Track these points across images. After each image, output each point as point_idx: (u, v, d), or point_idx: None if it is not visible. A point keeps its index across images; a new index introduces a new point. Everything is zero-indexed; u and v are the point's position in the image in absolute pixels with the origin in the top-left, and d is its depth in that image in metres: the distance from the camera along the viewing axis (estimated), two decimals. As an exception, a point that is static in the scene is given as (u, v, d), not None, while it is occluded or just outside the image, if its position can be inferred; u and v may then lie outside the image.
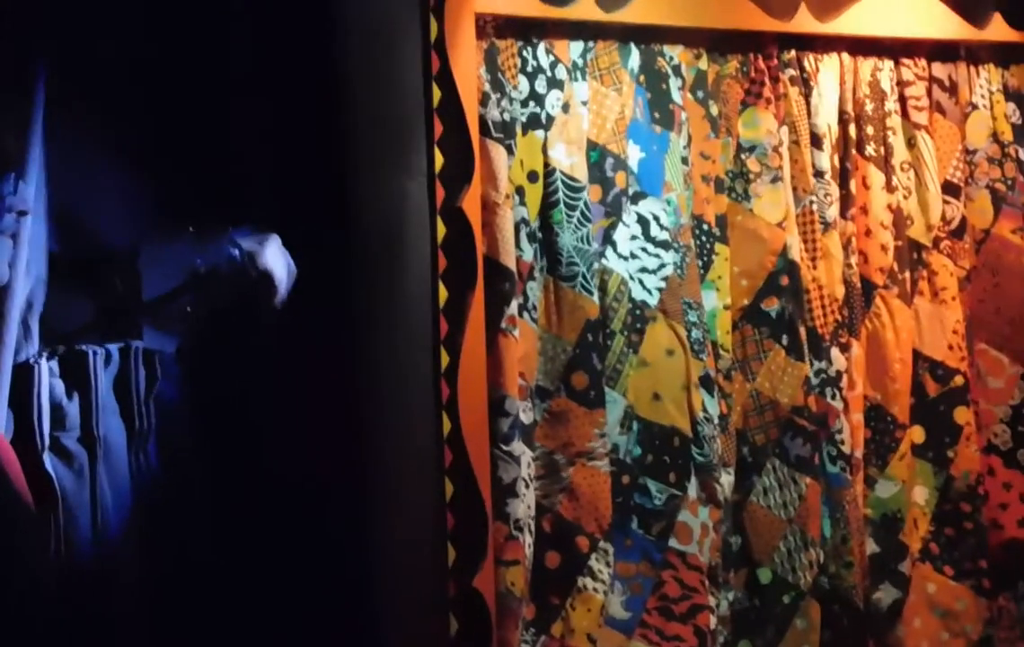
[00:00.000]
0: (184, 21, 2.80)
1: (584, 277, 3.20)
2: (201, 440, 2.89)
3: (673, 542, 3.27)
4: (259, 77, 2.88)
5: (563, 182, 3.20)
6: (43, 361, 2.68)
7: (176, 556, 2.83)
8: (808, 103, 3.54)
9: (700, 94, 3.43)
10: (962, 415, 3.65)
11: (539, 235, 3.20)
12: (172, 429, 2.86)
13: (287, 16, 2.87)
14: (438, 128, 2.97)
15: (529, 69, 3.20)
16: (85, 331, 2.77)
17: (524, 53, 3.19)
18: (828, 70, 3.57)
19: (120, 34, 2.75)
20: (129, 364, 2.80)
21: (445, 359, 2.97)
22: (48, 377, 2.69)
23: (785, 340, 3.44)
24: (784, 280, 3.44)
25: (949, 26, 3.63)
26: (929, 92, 3.67)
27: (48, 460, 2.67)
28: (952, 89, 3.70)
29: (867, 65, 3.61)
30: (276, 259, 2.78)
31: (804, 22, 3.48)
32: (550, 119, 3.21)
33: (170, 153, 2.82)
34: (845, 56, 3.59)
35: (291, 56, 2.88)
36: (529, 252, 3.16)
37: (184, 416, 2.88)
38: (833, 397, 3.50)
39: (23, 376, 2.65)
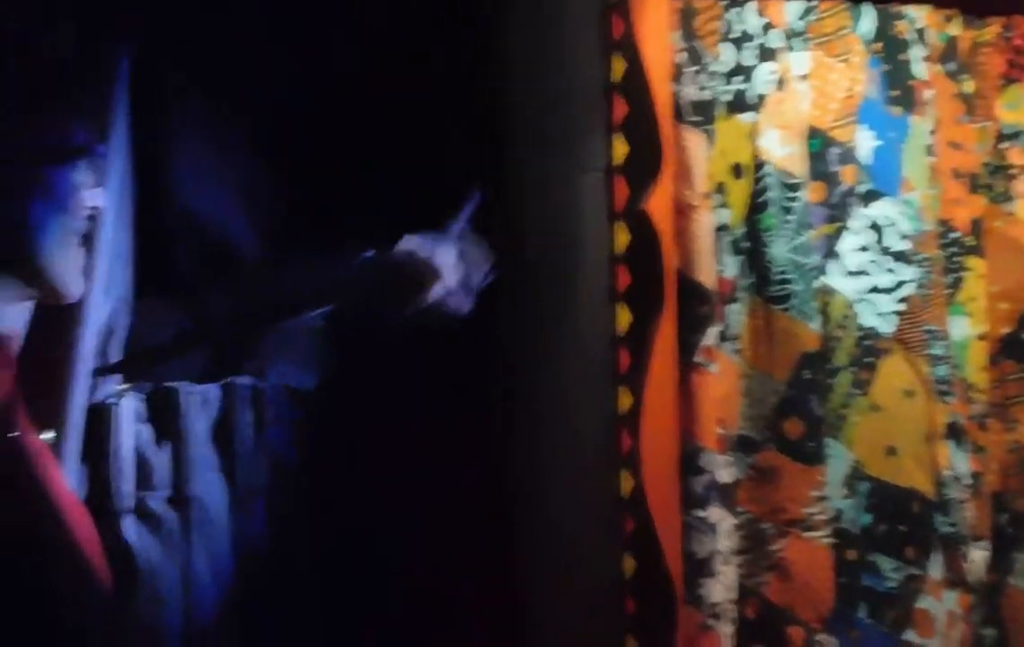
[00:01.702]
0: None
1: (800, 298, 2.95)
2: (321, 500, 2.76)
3: (911, 634, 3.00)
4: (403, 52, 2.76)
5: (776, 178, 2.93)
6: (125, 401, 2.55)
7: (287, 641, 2.72)
8: (1092, 77, 3.26)
9: (950, 67, 3.12)
10: None
11: (745, 245, 2.95)
12: (285, 487, 2.74)
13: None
14: (619, 110, 2.73)
15: (734, 35, 2.93)
16: (177, 364, 2.69)
17: (728, 15, 2.94)
18: (1117, 34, 3.25)
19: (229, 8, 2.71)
20: (232, 406, 2.71)
21: (625, 401, 2.73)
22: (131, 421, 2.56)
23: (1057, 379, 3.21)
24: (1056, 303, 3.24)
25: None
26: None
27: (129, 526, 2.55)
28: None
29: None
30: (444, 254, 2.64)
31: (1087, -28, 3.21)
32: (760, 99, 2.94)
33: (292, 147, 2.79)
34: None
35: (442, 23, 2.75)
36: (732, 267, 2.91)
37: (300, 471, 2.76)
38: (1120, 454, 3.23)
39: (100, 419, 2.52)
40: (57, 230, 2.23)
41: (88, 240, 2.32)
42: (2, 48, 2.29)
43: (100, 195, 2.29)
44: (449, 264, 2.64)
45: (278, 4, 2.70)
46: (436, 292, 2.63)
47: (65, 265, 2.25)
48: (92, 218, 2.31)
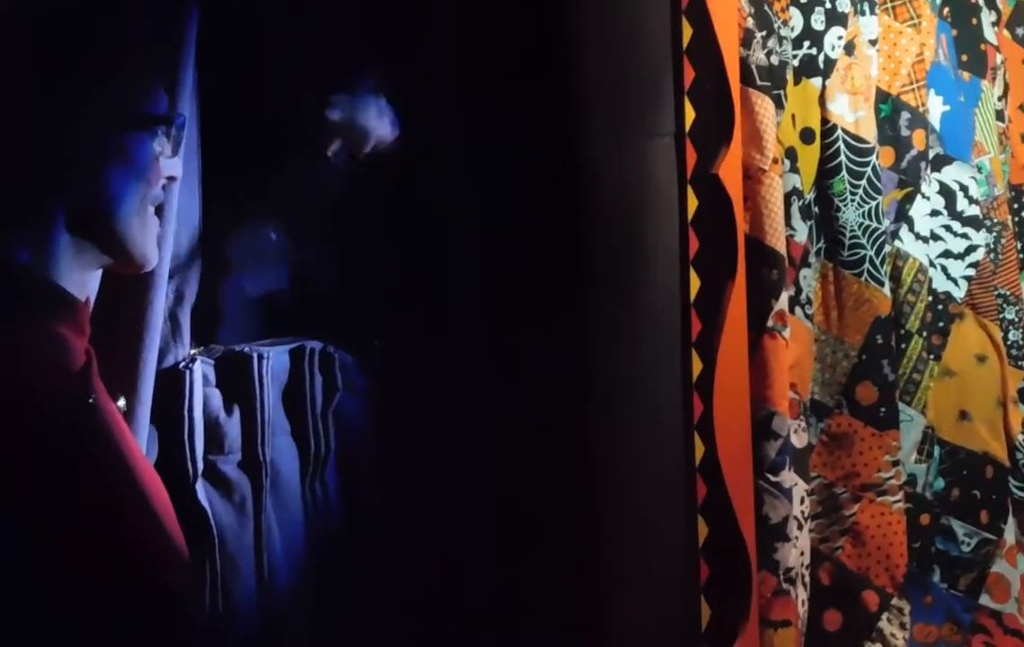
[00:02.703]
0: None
1: (872, 263, 2.92)
2: (392, 466, 2.67)
3: (985, 599, 3.02)
4: (472, 19, 2.70)
5: (846, 143, 2.91)
6: (196, 366, 2.48)
7: (359, 612, 2.62)
8: None
9: (1020, 31, 3.15)
10: None
11: (815, 210, 2.93)
12: (355, 453, 2.66)
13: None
14: (689, 75, 2.67)
15: (803, 1, 2.90)
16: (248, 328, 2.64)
17: None
18: None
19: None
20: (302, 370, 2.63)
21: (697, 366, 2.67)
22: (202, 386, 2.48)
23: None
24: None
25: None
26: None
27: (201, 490, 2.48)
28: None
29: None
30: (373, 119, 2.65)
31: None
32: (829, 63, 2.91)
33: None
34: None
35: None
36: (803, 231, 2.87)
37: (371, 436, 2.68)
38: None
39: (171, 384, 2.45)
40: (137, 198, 2.18)
41: (162, 210, 2.28)
42: (87, 10, 2.22)
43: (176, 165, 2.24)
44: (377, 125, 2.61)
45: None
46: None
47: (143, 234, 2.20)
48: (165, 188, 2.26)
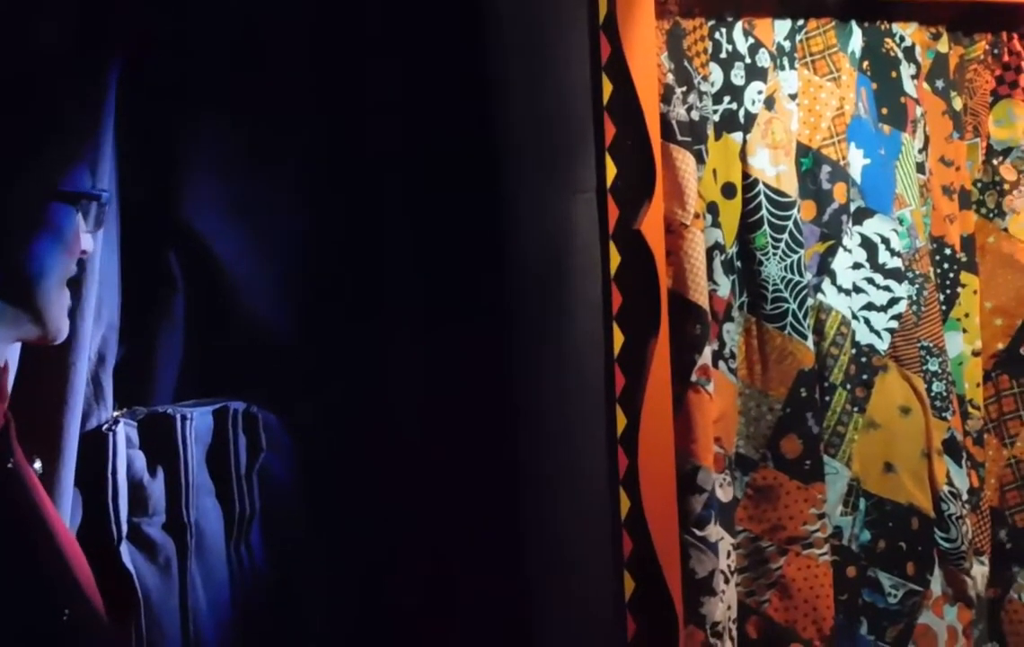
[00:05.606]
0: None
1: (795, 316, 2.90)
2: (318, 527, 2.66)
3: None
4: (393, 69, 2.68)
5: (767, 197, 2.89)
6: (119, 428, 2.44)
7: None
8: (1079, 93, 3.20)
9: (939, 84, 3.10)
10: None
11: (738, 264, 2.91)
12: (281, 513, 2.64)
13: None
14: (609, 131, 2.67)
15: (723, 55, 2.89)
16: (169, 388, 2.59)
17: (716, 35, 2.88)
18: (1104, 51, 3.18)
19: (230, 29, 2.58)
20: (226, 431, 2.59)
21: (621, 421, 2.67)
22: (125, 448, 2.45)
23: (1052, 394, 3.09)
24: (1051, 318, 3.14)
25: None
26: None
27: (126, 553, 2.44)
28: None
29: None
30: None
31: (1074, -11, 3.14)
32: (750, 118, 2.89)
33: (284, 171, 2.64)
34: None
35: (432, 46, 2.66)
36: (725, 286, 2.86)
37: (296, 496, 2.66)
38: (1117, 468, 3.16)
39: (94, 447, 2.41)
40: (59, 270, 2.13)
41: (76, 283, 2.23)
42: (15, 88, 2.17)
43: (91, 240, 2.20)
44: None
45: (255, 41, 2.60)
46: None
47: (59, 306, 2.14)
48: (81, 262, 2.22)
